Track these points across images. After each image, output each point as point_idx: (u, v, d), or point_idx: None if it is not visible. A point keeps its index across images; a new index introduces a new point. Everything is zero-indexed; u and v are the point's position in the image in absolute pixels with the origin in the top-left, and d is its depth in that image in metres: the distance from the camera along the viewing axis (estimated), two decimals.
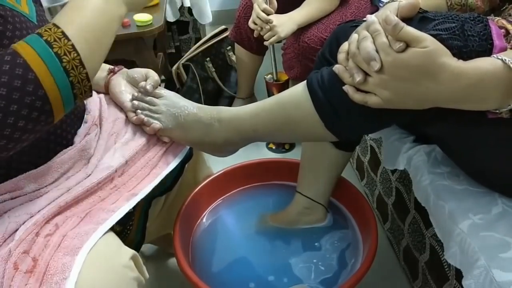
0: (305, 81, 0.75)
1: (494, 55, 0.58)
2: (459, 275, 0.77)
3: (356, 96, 0.65)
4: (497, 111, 0.60)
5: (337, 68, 0.68)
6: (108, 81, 0.92)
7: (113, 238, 0.69)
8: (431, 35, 0.58)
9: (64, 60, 0.58)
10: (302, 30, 1.47)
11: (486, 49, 0.59)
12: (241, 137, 0.83)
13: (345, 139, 0.76)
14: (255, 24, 1.46)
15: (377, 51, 0.60)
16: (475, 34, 0.59)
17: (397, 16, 0.61)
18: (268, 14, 1.42)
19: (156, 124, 0.85)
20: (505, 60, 0.56)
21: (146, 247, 1.31)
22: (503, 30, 0.61)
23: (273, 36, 1.43)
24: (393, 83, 0.60)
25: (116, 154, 0.82)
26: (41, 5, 0.82)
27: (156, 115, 0.86)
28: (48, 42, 0.58)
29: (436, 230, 0.79)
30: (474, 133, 0.68)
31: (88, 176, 0.77)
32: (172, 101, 0.87)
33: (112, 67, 0.94)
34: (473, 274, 0.64)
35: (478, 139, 0.68)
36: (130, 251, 0.68)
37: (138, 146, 0.84)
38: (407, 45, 0.58)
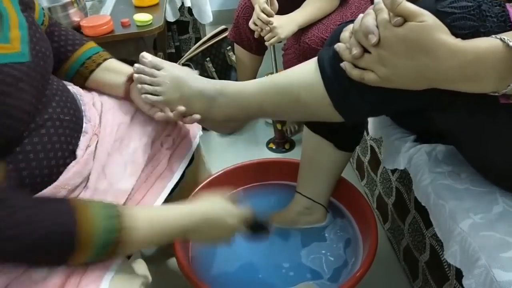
0: (316, 58, 0.74)
1: (493, 35, 0.57)
2: (459, 275, 0.77)
3: (354, 72, 0.65)
4: (497, 94, 0.58)
5: (338, 45, 0.68)
6: (128, 88, 0.90)
7: (126, 267, 0.70)
8: (446, 12, 0.58)
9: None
10: (302, 30, 1.47)
11: (505, 31, 0.58)
12: (245, 113, 0.81)
13: (351, 121, 0.74)
14: (256, 25, 1.46)
15: (378, 28, 0.60)
16: (493, 15, 0.59)
17: None
18: (268, 15, 1.42)
19: (160, 114, 0.83)
20: (504, 39, 0.55)
21: None
22: None
23: (274, 37, 1.44)
24: (390, 58, 0.60)
25: (127, 171, 0.81)
26: (33, 12, 0.81)
27: (158, 88, 0.82)
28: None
29: (436, 230, 0.78)
30: (486, 122, 0.66)
31: (88, 183, 0.77)
32: (174, 72, 0.83)
33: (132, 73, 0.91)
34: (474, 274, 0.64)
35: (491, 129, 0.66)
36: (140, 279, 0.68)
37: (146, 156, 0.85)
38: (406, 20, 0.58)
